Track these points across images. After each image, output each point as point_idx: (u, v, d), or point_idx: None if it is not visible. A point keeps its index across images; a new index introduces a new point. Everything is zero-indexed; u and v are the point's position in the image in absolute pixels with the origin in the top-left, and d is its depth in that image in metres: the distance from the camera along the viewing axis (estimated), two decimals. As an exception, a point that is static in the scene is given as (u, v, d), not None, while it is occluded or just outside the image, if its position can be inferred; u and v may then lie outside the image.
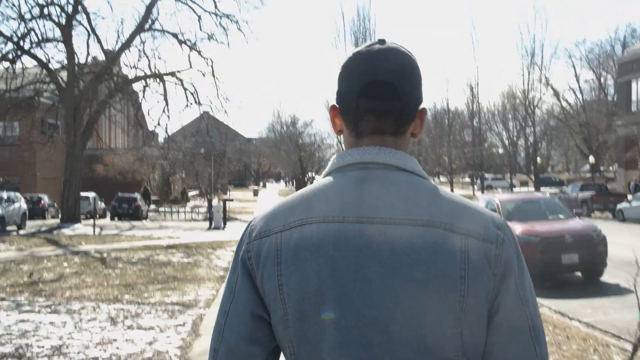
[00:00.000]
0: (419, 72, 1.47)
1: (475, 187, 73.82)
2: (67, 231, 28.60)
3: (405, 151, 1.46)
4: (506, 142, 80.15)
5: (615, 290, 12.09)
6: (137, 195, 41.21)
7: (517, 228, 13.09)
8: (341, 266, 1.32)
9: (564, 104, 71.28)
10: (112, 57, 34.24)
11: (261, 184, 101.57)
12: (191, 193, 63.74)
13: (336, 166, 1.45)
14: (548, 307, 10.41)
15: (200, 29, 36.26)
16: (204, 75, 38.20)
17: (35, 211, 38.81)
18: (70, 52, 32.18)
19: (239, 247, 1.46)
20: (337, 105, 1.48)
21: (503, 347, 1.35)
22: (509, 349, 1.34)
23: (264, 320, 1.41)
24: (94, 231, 26.64)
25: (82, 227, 29.86)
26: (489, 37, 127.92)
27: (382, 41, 1.47)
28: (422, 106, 1.48)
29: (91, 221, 36.90)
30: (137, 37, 35.37)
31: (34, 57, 32.11)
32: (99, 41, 33.61)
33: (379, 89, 1.41)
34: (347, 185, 1.39)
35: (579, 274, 13.43)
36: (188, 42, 35.20)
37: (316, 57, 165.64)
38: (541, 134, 71.80)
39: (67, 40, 32.06)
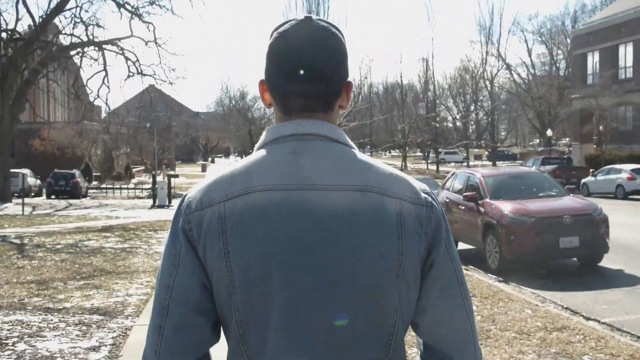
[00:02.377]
0: (344, 48, 1.49)
1: (429, 161, 72.71)
2: (-7, 211, 26.02)
3: (334, 123, 1.50)
4: (457, 116, 79.37)
5: (623, 279, 10.44)
6: (75, 172, 38.42)
7: (506, 207, 11.32)
8: (285, 232, 1.36)
9: (517, 77, 70.82)
10: (44, 21, 31.31)
11: (210, 159, 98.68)
12: (136, 169, 60.85)
13: (271, 138, 1.48)
14: (553, 302, 8.66)
15: (142, -8, 33.21)
16: (146, 43, 35.58)
17: (-37, 189, 35.82)
18: (-4, 14, 29.20)
19: (176, 219, 1.45)
20: (266, 82, 1.50)
21: (436, 300, 1.44)
22: (442, 302, 1.44)
23: (208, 291, 1.42)
24: (23, 211, 24.10)
25: (13, 207, 27.26)
26: (444, 7, 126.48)
27: (308, 19, 1.48)
28: (347, 79, 1.51)
29: (25, 200, 34.24)
30: (73, 1, 32.55)
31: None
32: (24, 2, 30.55)
33: (304, 74, 1.43)
34: (285, 155, 1.43)
35: (574, 259, 11.77)
36: (128, 6, 32.48)
37: (266, 28, 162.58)
38: (491, 109, 71.18)
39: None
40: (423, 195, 1.46)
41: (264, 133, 1.52)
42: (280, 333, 1.37)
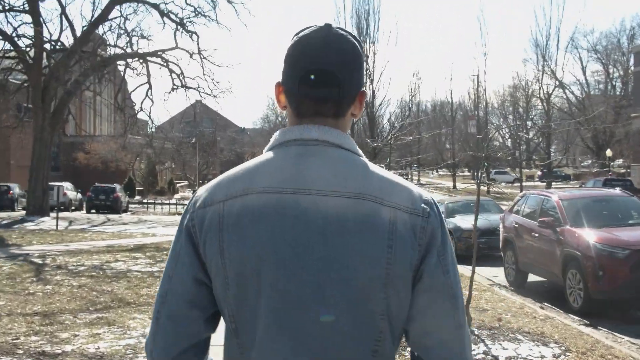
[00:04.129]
0: (360, 58, 1.53)
1: (478, 181, 70.37)
2: (29, 225, 25.11)
3: (345, 130, 1.54)
4: (506, 135, 76.99)
5: None
6: (115, 186, 37.57)
7: (592, 236, 9.61)
8: (279, 233, 1.41)
9: (570, 96, 68.35)
10: (86, 31, 30.55)
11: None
12: (179, 184, 60.07)
13: (278, 142, 1.52)
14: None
15: (187, 2, 32.22)
16: (191, 55, 34.63)
17: (4, 202, 35.33)
18: (37, 23, 28.52)
19: (184, 216, 1.52)
20: (282, 85, 1.55)
21: (424, 312, 1.46)
22: (429, 313, 1.46)
23: (205, 285, 1.48)
24: (57, 226, 23.08)
25: (49, 221, 26.25)
26: (497, 22, 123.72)
27: (328, 26, 1.53)
28: (362, 89, 1.56)
29: (64, 214, 33.42)
30: (116, 11, 31.79)
31: (-4, 28, 28.47)
32: (62, 8, 29.78)
33: (318, 78, 1.48)
34: (287, 159, 1.48)
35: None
36: (172, 15, 31.55)
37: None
38: (547, 127, 68.89)
39: (33, 9, 28.39)
40: (422, 205, 1.47)
41: (274, 136, 1.55)
42: (268, 330, 1.42)
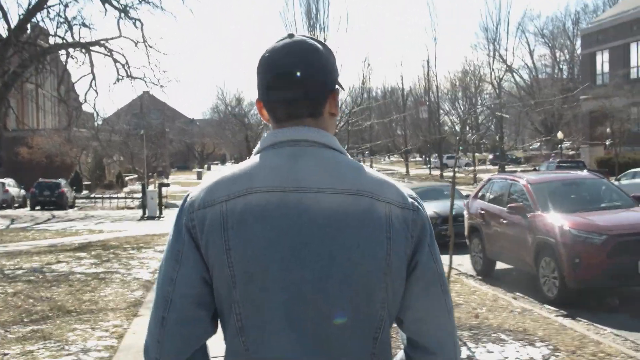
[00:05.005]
0: (325, 58, 1.60)
1: (430, 166, 70.53)
2: (-32, 226, 23.78)
3: (327, 129, 1.61)
4: (456, 120, 77.15)
5: None
6: (61, 181, 36.07)
7: (565, 222, 9.11)
8: (283, 230, 1.45)
9: (519, 80, 68.76)
10: (23, 20, 29.03)
11: (205, 166, 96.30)
12: (128, 177, 58.45)
13: (269, 143, 1.58)
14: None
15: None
16: (136, 44, 33.17)
17: (-58, 202, 33.63)
18: (-31, 12, 26.97)
19: (179, 218, 1.54)
20: (259, 98, 1.63)
21: (419, 298, 1.54)
22: (424, 300, 1.54)
23: (209, 285, 1.50)
24: (-4, 226, 21.87)
25: (-10, 220, 24.94)
26: (447, 8, 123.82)
27: (290, 35, 1.62)
28: (333, 88, 1.62)
29: (6, 212, 31.99)
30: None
31: None
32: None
33: (281, 80, 1.55)
34: (283, 159, 1.53)
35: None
36: (114, 2, 30.24)
37: (263, 31, 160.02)
38: (499, 109, 69.17)
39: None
40: (410, 200, 1.55)
41: (262, 139, 1.62)
42: (274, 325, 1.46)
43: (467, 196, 18.22)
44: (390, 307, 1.51)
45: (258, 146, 1.60)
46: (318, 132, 1.57)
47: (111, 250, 14.51)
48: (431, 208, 16.09)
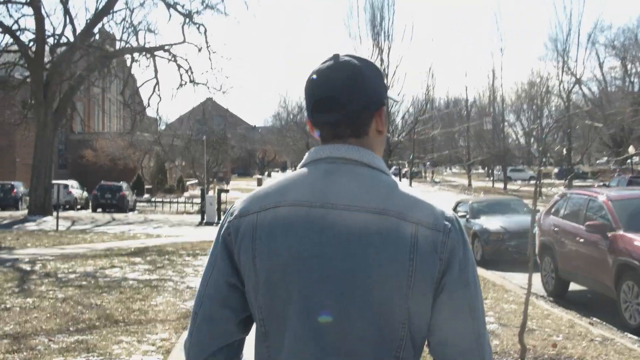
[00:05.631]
0: (368, 79, 1.62)
1: (493, 178, 68.98)
2: (30, 226, 24.08)
3: (372, 148, 1.64)
4: (520, 132, 75.26)
5: None
6: (122, 184, 36.40)
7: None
8: (306, 244, 1.50)
9: (587, 92, 66.69)
10: (89, 24, 29.39)
11: (266, 173, 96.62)
12: (190, 182, 58.88)
13: (310, 159, 1.63)
14: None
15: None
16: (199, 50, 33.44)
17: (8, 201, 34.31)
18: (38, 16, 27.39)
19: (221, 226, 1.64)
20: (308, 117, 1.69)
21: (445, 323, 1.52)
22: (450, 324, 1.52)
23: (238, 289, 1.58)
24: (57, 227, 21.95)
25: (51, 221, 25.07)
26: (514, 18, 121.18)
27: (335, 56, 1.66)
28: (378, 106, 1.64)
29: (68, 213, 32.39)
30: (122, 3, 30.68)
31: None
32: (63, 2, 28.59)
33: (323, 104, 1.60)
34: (317, 175, 1.58)
35: None
36: (179, 7, 30.36)
37: (326, 38, 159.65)
38: (557, 126, 67.31)
39: (34, 1, 27.23)
40: (443, 222, 1.53)
41: (306, 155, 1.67)
42: (295, 335, 1.49)
43: (538, 211, 17.41)
44: (413, 328, 1.51)
45: (302, 161, 1.66)
46: (358, 150, 1.60)
47: (166, 256, 14.23)
48: (497, 223, 15.34)
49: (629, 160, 58.15)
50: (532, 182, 67.79)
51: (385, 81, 1.74)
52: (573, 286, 10.85)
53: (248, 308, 1.58)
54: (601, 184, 42.65)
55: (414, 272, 1.47)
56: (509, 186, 58.62)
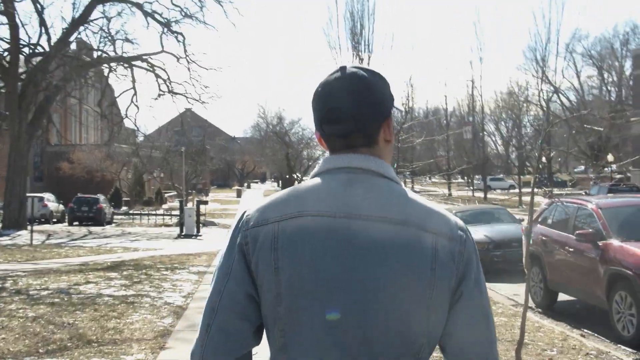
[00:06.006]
0: (376, 89, 1.64)
1: (473, 187, 69.05)
2: (3, 240, 23.48)
3: (383, 157, 1.65)
4: (499, 141, 75.43)
5: None
6: (99, 197, 35.70)
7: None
8: (330, 254, 1.50)
9: (565, 101, 67.04)
10: (66, 33, 28.90)
11: (245, 184, 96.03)
12: (168, 194, 58.28)
13: (325, 168, 1.63)
14: None
15: (172, 2, 30.58)
16: (178, 59, 33.07)
17: (-19, 215, 33.46)
18: (13, 25, 26.88)
19: (234, 234, 1.61)
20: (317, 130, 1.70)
21: (462, 328, 1.56)
22: (467, 330, 1.56)
23: (254, 300, 1.56)
24: (31, 241, 21.40)
25: (26, 235, 24.45)
26: (493, 28, 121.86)
27: (342, 68, 1.66)
28: (386, 116, 1.66)
29: (44, 226, 31.73)
30: (98, 12, 30.21)
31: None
32: (37, 7, 28.09)
33: (333, 116, 1.61)
34: (336, 185, 1.58)
35: None
36: (157, 16, 29.97)
37: (306, 48, 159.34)
38: (536, 135, 67.58)
39: (8, 10, 26.71)
40: (458, 232, 1.57)
41: (320, 162, 1.67)
42: (317, 345, 1.49)
43: (521, 220, 17.18)
44: (431, 336, 1.54)
45: (315, 170, 1.65)
46: (374, 160, 1.61)
47: (144, 271, 13.81)
48: (482, 232, 15.09)
49: (607, 169, 58.55)
50: (512, 190, 67.97)
51: (391, 91, 1.71)
52: (561, 296, 10.62)
53: (261, 318, 1.57)
54: (582, 192, 42.70)
55: (435, 282, 1.50)
56: (488, 195, 58.63)
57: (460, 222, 1.60)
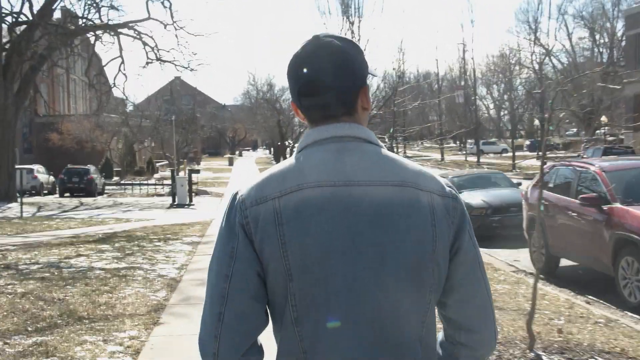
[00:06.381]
0: (352, 57, 1.64)
1: (466, 152, 68.85)
2: (-7, 213, 23.05)
3: (361, 123, 1.66)
4: (491, 105, 75.15)
5: None
6: (89, 167, 35.29)
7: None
8: (337, 222, 1.51)
9: (556, 63, 66.56)
10: (49, 1, 28.20)
11: (237, 152, 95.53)
12: (160, 163, 57.79)
13: (312, 140, 1.62)
14: None
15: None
16: (165, 26, 32.51)
17: (-30, 188, 33.03)
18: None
19: (231, 215, 1.58)
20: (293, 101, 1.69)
21: (462, 281, 1.61)
22: (466, 282, 1.62)
23: (262, 279, 1.55)
24: (21, 214, 21.07)
25: (16, 208, 24.06)
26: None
27: (315, 37, 1.65)
28: (363, 84, 1.65)
29: (34, 198, 31.37)
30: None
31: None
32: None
33: (310, 87, 1.61)
34: (329, 155, 1.58)
35: None
36: (142, -18, 29.23)
37: (295, 14, 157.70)
38: (527, 98, 67.26)
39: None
40: (447, 188, 1.62)
41: (304, 136, 1.66)
42: (332, 314, 1.51)
43: (519, 184, 16.93)
44: (436, 291, 1.58)
45: (301, 144, 1.64)
46: (358, 127, 1.63)
47: (136, 242, 13.53)
48: (479, 197, 14.83)
49: (598, 131, 58.29)
50: (505, 154, 67.75)
51: (365, 58, 1.70)
52: (563, 262, 10.41)
53: (267, 296, 1.56)
54: (575, 155, 42.53)
55: (437, 237, 1.55)
56: (481, 159, 58.43)
57: (447, 180, 1.65)
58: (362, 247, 1.50)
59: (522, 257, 11.56)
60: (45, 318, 7.09)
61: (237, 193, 1.60)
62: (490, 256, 11.95)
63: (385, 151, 1.63)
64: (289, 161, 1.61)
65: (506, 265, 10.97)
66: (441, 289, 1.60)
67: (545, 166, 11.59)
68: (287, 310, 1.52)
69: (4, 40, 28.40)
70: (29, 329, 6.66)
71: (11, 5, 29.49)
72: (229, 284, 1.52)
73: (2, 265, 10.69)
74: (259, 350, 1.57)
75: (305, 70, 1.60)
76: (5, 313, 7.32)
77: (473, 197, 14.84)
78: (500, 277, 9.44)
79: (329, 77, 1.59)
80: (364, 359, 1.50)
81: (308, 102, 1.62)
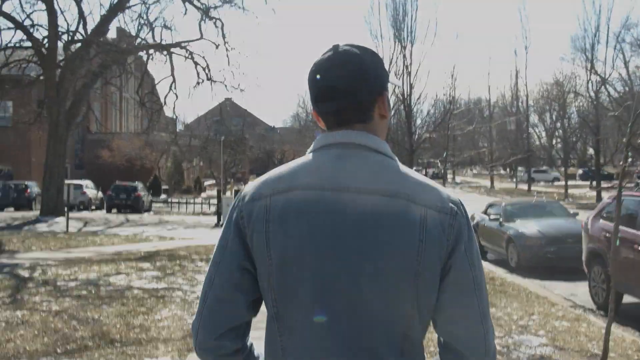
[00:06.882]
0: (368, 65, 1.65)
1: (516, 180, 67.53)
2: (41, 227, 23.25)
3: (377, 133, 1.67)
4: (543, 133, 73.54)
5: None
6: (137, 184, 35.52)
7: None
8: (319, 226, 1.53)
9: (612, 92, 64.97)
10: (103, 20, 28.55)
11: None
12: (208, 183, 58.05)
13: (319, 145, 1.65)
14: None
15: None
16: (217, 47, 32.56)
17: (21, 201, 33.64)
18: (51, 11, 26.58)
19: (232, 210, 1.65)
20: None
21: (451, 301, 1.57)
22: (456, 303, 1.57)
23: (249, 272, 1.60)
24: (67, 228, 21.09)
25: (63, 222, 24.19)
26: (539, 17, 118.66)
27: (335, 46, 1.68)
28: (380, 92, 1.67)
29: (82, 214, 31.62)
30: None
31: (7, 15, 26.54)
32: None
33: (325, 93, 1.64)
34: (328, 160, 1.61)
35: None
36: (195, 2, 29.43)
37: (347, 36, 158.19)
38: (581, 126, 65.68)
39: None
40: (450, 205, 1.58)
41: (315, 141, 1.69)
42: (307, 314, 1.53)
43: (575, 214, 16.18)
44: (421, 307, 1.54)
45: (312, 146, 1.67)
46: (367, 135, 1.63)
47: (178, 261, 13.24)
48: (534, 227, 14.15)
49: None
50: (556, 183, 66.23)
51: (386, 67, 1.72)
52: (627, 299, 9.74)
53: (258, 290, 1.60)
54: (632, 185, 41.21)
55: (424, 253, 1.52)
56: (533, 187, 57.13)
57: (454, 196, 1.61)
58: (341, 252, 1.51)
59: (579, 291, 10.90)
60: (77, 339, 6.77)
61: (243, 189, 1.68)
62: (545, 289, 11.32)
63: (391, 162, 1.62)
64: (294, 162, 1.65)
65: (563, 300, 10.33)
66: (431, 306, 1.57)
67: (606, 197, 10.96)
68: (269, 304, 1.58)
69: (59, 57, 28.80)
70: (58, 350, 6.34)
71: (67, 23, 29.82)
72: (216, 270, 1.61)
73: (41, 281, 10.49)
74: (236, 338, 1.61)
75: (321, 76, 1.63)
76: (36, 332, 7.02)
77: (527, 227, 14.20)
78: (558, 312, 8.83)
79: (343, 84, 1.61)
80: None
81: (324, 108, 1.65)
